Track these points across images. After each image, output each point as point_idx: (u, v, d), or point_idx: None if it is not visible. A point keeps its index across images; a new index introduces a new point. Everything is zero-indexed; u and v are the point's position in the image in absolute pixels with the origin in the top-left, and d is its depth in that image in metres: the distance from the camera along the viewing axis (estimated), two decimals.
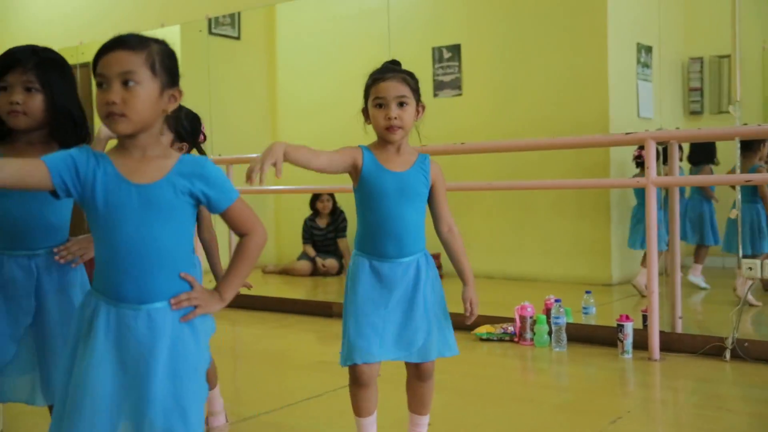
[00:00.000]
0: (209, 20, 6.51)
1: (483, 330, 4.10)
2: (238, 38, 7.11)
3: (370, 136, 2.20)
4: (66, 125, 1.88)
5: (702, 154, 5.30)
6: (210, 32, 6.63)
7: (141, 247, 1.46)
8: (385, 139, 2.11)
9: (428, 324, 2.14)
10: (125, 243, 1.46)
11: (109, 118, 1.45)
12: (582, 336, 3.98)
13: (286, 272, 6.88)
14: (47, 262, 1.88)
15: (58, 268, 1.89)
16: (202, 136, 2.57)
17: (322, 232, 6.80)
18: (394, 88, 2.07)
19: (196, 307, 1.51)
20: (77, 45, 6.97)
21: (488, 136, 5.76)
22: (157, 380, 1.44)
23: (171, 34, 6.70)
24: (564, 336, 3.85)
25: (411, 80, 2.12)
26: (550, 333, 3.91)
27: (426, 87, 6.41)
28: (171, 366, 1.46)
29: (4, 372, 1.87)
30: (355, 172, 2.12)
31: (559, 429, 2.72)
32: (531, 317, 3.99)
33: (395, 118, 2.05)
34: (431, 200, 2.20)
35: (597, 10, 5.67)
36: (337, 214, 6.81)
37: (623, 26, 5.83)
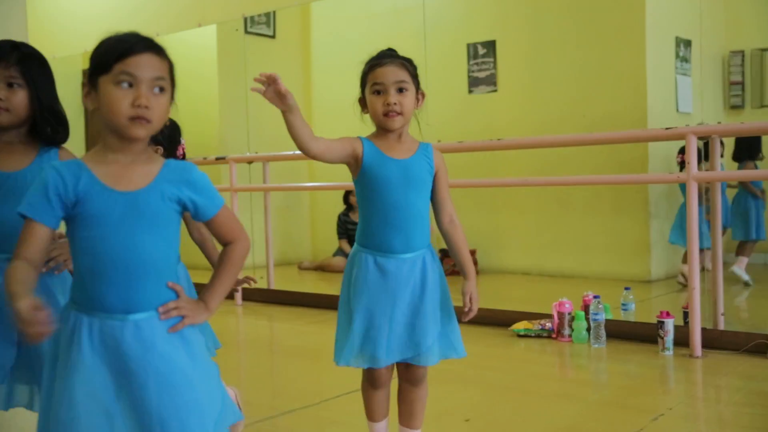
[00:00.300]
0: (245, 19, 6.57)
1: (520, 326, 4.08)
2: (273, 37, 7.17)
3: (368, 127, 2.11)
4: (48, 122, 1.82)
5: (745, 150, 5.21)
6: (246, 31, 6.68)
7: (126, 255, 1.40)
8: (384, 128, 2.01)
9: (434, 324, 2.05)
10: (110, 252, 1.40)
11: (135, 120, 1.39)
12: (621, 333, 3.93)
13: (321, 268, 6.91)
14: None
15: (41, 274, 1.81)
16: (180, 149, 2.48)
17: (354, 226, 6.81)
18: (392, 73, 1.98)
19: (183, 317, 1.45)
20: None
21: (524, 132, 5.73)
22: (150, 392, 1.38)
23: (207, 34, 6.78)
24: (603, 332, 3.81)
25: (410, 66, 2.03)
26: (588, 329, 3.88)
27: (461, 83, 6.40)
28: (164, 377, 1.39)
29: (6, 378, 1.81)
30: (354, 162, 2.02)
31: (598, 425, 2.69)
32: (569, 313, 3.96)
33: (395, 104, 1.96)
34: (433, 189, 2.09)
35: (635, 3, 5.60)
36: None
37: (662, 20, 5.75)
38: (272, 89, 1.81)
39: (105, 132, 1.44)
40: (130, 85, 1.39)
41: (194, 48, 7.11)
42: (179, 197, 1.45)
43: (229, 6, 6.54)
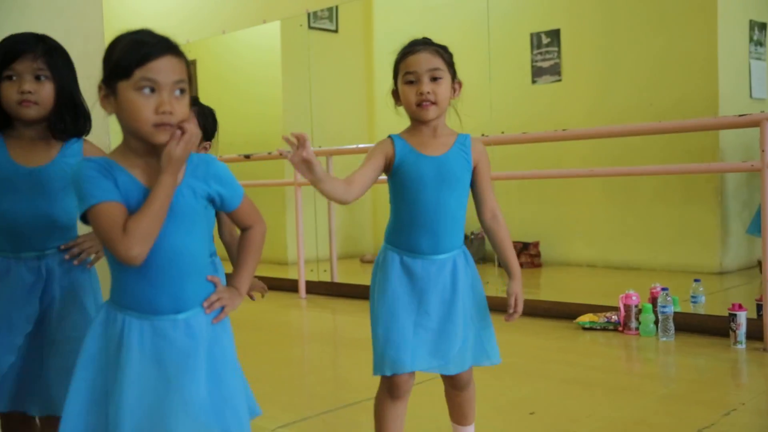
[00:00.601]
0: (308, 15, 6.64)
1: (586, 319, 4.03)
2: (335, 31, 7.22)
3: (403, 120, 2.00)
4: (70, 115, 1.79)
5: None
6: (309, 27, 6.75)
7: (174, 258, 1.41)
8: (417, 119, 1.89)
9: (465, 330, 1.93)
10: (158, 257, 1.39)
11: (160, 127, 1.36)
12: (690, 326, 3.84)
13: None
14: (57, 262, 1.79)
15: (68, 270, 1.80)
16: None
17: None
18: (426, 60, 1.85)
19: (224, 307, 1.49)
20: (184, 43, 7.26)
21: (589, 122, 5.63)
22: (202, 385, 1.41)
23: (272, 30, 6.88)
24: (671, 325, 3.73)
25: (445, 53, 1.90)
26: (656, 322, 3.80)
27: (524, 74, 6.32)
28: (214, 368, 1.44)
29: (2, 381, 1.77)
30: (388, 164, 1.90)
31: (668, 420, 2.64)
32: (636, 306, 3.89)
33: (428, 92, 1.84)
34: (474, 183, 1.96)
35: None
36: None
37: (734, 2, 5.56)
38: (299, 154, 1.66)
39: (126, 135, 1.42)
40: (152, 90, 1.35)
41: (259, 44, 7.23)
42: (208, 192, 1.45)
43: (293, 2, 6.63)
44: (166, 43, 1.39)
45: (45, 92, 1.74)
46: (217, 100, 7.84)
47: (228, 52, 7.55)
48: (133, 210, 1.36)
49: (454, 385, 2.04)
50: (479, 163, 1.95)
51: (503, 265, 2.02)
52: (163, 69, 1.36)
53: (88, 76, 2.35)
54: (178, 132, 1.37)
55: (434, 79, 1.85)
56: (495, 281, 5.52)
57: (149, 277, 1.40)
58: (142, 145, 1.40)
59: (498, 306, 4.84)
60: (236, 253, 1.59)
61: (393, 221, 1.95)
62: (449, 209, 1.89)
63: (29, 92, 1.72)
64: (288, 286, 5.79)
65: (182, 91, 1.39)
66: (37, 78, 1.74)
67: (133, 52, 1.36)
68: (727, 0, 5.44)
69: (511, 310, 1.98)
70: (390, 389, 1.93)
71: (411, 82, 1.86)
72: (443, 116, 1.94)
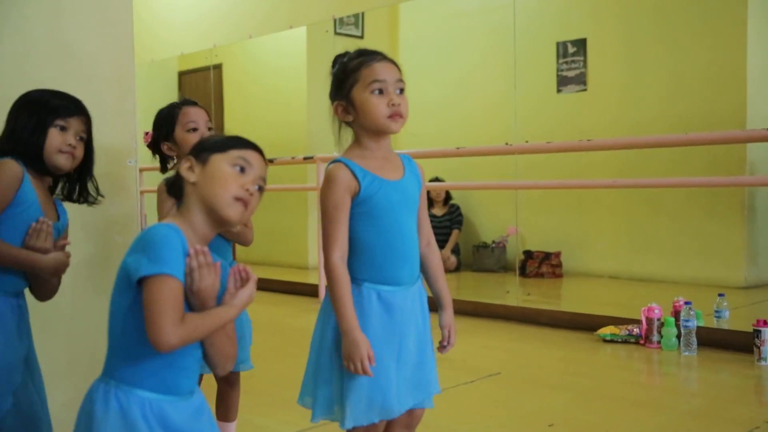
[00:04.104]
0: (335, 20, 6.67)
1: (607, 331, 4.00)
2: (361, 37, 7.24)
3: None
4: (84, 180, 1.95)
5: None
6: (335, 32, 6.78)
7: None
8: (383, 131, 1.71)
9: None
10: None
11: (239, 201, 1.42)
12: (714, 341, 3.79)
13: None
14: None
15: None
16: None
17: (438, 220, 6.75)
18: (393, 71, 1.71)
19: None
20: (211, 48, 7.32)
21: (614, 132, 5.59)
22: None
23: (298, 35, 6.92)
24: (694, 340, 3.69)
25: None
26: (678, 336, 3.76)
27: (549, 83, 6.30)
28: None
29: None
30: (351, 197, 1.70)
31: None
32: (658, 319, 3.85)
33: (399, 104, 1.69)
34: None
35: None
36: (453, 206, 6.77)
37: (764, 12, 5.50)
38: None
39: (194, 208, 1.41)
40: (242, 170, 1.42)
41: (284, 50, 7.27)
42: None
43: (319, 8, 6.65)
44: (250, 142, 1.50)
45: (80, 152, 1.88)
46: (242, 104, 7.94)
47: (253, 57, 7.60)
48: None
49: (410, 425, 1.84)
50: (423, 188, 1.83)
51: (435, 295, 1.88)
52: (257, 159, 1.47)
53: (117, 79, 2.40)
54: (253, 278, 1.42)
55: (400, 91, 1.73)
56: (516, 290, 5.50)
57: (181, 357, 1.38)
58: (208, 222, 1.42)
59: (519, 316, 4.83)
60: None
61: (365, 254, 1.71)
62: (414, 234, 1.77)
63: (72, 146, 1.85)
64: (308, 291, 5.80)
65: (260, 188, 1.44)
66: (81, 138, 1.88)
67: (234, 139, 1.47)
68: (756, 9, 5.38)
69: (444, 343, 1.85)
70: None
71: (380, 91, 1.69)
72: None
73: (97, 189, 1.96)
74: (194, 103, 2.32)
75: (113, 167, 2.41)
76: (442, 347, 1.85)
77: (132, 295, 1.33)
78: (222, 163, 1.41)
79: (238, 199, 1.39)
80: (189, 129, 2.23)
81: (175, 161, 2.27)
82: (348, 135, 1.81)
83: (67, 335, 2.34)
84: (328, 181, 1.69)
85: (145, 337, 1.29)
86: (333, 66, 1.79)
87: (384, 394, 1.68)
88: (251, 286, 1.41)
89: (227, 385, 2.35)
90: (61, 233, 1.90)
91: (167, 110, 2.28)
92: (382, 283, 1.71)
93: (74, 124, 1.85)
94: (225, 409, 2.36)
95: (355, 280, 1.71)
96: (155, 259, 1.30)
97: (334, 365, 1.71)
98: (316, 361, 1.76)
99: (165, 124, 2.26)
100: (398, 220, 1.72)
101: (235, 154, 1.42)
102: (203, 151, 1.43)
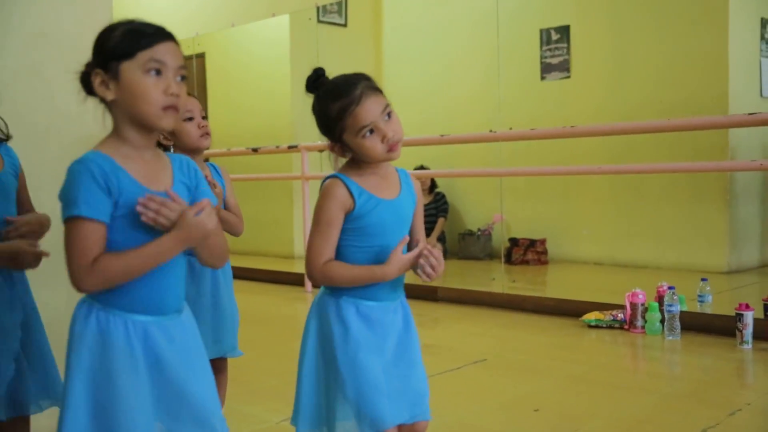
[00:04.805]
0: (318, 8, 6.63)
1: (592, 316, 4.02)
2: (345, 26, 7.21)
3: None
4: None
5: None
6: (318, 20, 6.75)
7: (179, 257, 1.41)
8: (384, 161, 1.69)
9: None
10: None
11: (168, 110, 1.35)
12: (697, 325, 3.83)
13: None
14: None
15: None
16: None
17: (423, 208, 6.74)
18: (377, 105, 1.63)
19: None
20: (194, 36, 7.26)
21: (597, 119, 5.62)
22: (206, 382, 1.46)
23: (281, 23, 6.88)
24: (677, 324, 3.72)
25: (376, 83, 1.69)
26: (662, 321, 3.79)
27: (533, 70, 6.31)
28: (205, 365, 1.48)
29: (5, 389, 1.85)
30: (345, 213, 1.68)
31: (673, 419, 2.63)
32: (642, 304, 3.88)
33: (392, 134, 1.63)
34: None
35: None
36: (438, 194, 6.77)
37: (746, 1, 5.53)
38: None
39: (124, 125, 1.37)
40: (158, 73, 1.33)
41: (267, 38, 7.23)
42: (191, 195, 1.45)
43: None
44: (167, 30, 1.38)
45: None
46: (225, 93, 7.89)
47: (236, 46, 7.55)
48: (126, 215, 1.32)
49: None
50: (418, 203, 1.80)
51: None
52: (169, 52, 1.34)
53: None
54: (206, 203, 1.35)
55: (389, 116, 1.65)
56: (501, 277, 5.52)
57: (159, 278, 1.38)
58: (139, 136, 1.37)
59: (504, 302, 4.84)
60: None
61: None
62: (402, 252, 1.70)
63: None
64: (294, 280, 5.80)
65: (183, 77, 1.37)
66: None
67: (137, 35, 1.34)
68: None
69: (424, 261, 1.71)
70: None
71: (371, 131, 1.62)
72: None
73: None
74: (188, 93, 2.31)
75: None
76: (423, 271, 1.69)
77: None
78: (135, 73, 1.32)
79: (166, 108, 1.34)
80: (185, 118, 2.20)
81: (171, 150, 2.25)
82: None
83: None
84: (324, 196, 1.67)
85: None
86: (308, 86, 1.71)
87: (374, 406, 1.64)
88: (203, 207, 1.35)
89: (215, 370, 2.34)
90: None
91: None
92: (361, 298, 1.68)
93: None
94: None
95: (334, 292, 1.69)
96: (65, 202, 1.30)
97: (321, 382, 1.70)
98: (302, 379, 1.74)
99: None
100: (387, 241, 1.69)
101: (144, 57, 1.32)
102: (108, 59, 1.34)
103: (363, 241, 1.68)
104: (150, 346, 1.36)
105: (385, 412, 1.64)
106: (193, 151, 2.19)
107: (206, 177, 2.11)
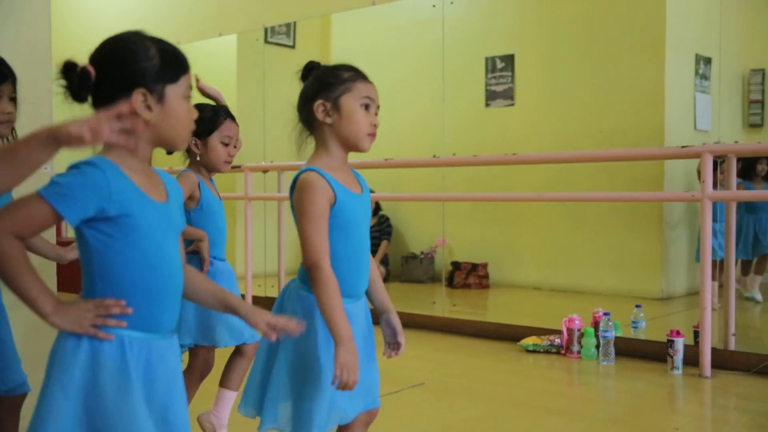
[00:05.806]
0: (266, 29, 6.63)
1: (529, 341, 4.08)
2: (293, 47, 7.22)
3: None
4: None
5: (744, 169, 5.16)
6: (266, 41, 6.74)
7: (176, 274, 1.38)
8: (356, 146, 1.71)
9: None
10: (165, 274, 1.35)
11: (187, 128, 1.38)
12: (630, 350, 3.92)
13: None
14: None
15: None
16: None
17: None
18: (377, 96, 1.75)
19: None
20: None
21: (540, 146, 5.73)
22: (183, 406, 1.40)
23: (228, 43, 6.85)
24: (612, 350, 3.80)
25: None
26: (597, 346, 3.87)
27: (478, 97, 6.41)
28: (182, 389, 1.41)
29: None
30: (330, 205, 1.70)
31: None
32: (579, 330, 3.95)
33: (376, 126, 1.73)
34: None
35: (655, 20, 5.60)
36: (382, 217, 6.80)
37: (682, 37, 5.74)
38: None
39: (146, 144, 1.34)
40: (188, 98, 1.38)
41: (215, 57, 7.18)
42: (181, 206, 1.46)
43: (250, 16, 6.61)
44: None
45: (15, 115, 1.88)
46: None
47: None
48: (135, 225, 1.29)
49: (369, 422, 1.85)
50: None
51: (380, 302, 1.87)
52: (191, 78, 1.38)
53: (33, 81, 2.33)
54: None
55: (376, 114, 1.74)
56: (443, 301, 5.56)
57: (156, 295, 1.33)
58: (149, 151, 1.37)
59: (445, 326, 4.87)
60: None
61: (333, 267, 1.68)
62: (369, 249, 1.78)
63: (10, 112, 1.84)
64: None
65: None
66: (11, 99, 1.87)
67: (179, 58, 1.37)
68: (674, 34, 5.62)
69: (398, 349, 1.88)
70: None
71: (366, 108, 1.70)
72: None
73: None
74: (234, 118, 2.47)
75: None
76: (393, 349, 1.85)
77: (82, 242, 1.30)
78: (178, 99, 1.33)
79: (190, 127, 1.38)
80: (224, 142, 2.40)
81: (192, 158, 2.43)
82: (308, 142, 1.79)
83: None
84: (309, 189, 1.64)
85: (120, 274, 1.29)
86: (306, 71, 1.83)
87: (344, 400, 1.69)
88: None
89: (239, 354, 2.48)
90: None
91: (212, 113, 2.41)
92: (344, 295, 1.66)
93: (5, 90, 1.84)
94: (229, 376, 2.46)
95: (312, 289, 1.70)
96: (53, 185, 1.23)
97: (296, 379, 1.70)
98: (275, 375, 1.72)
99: (205, 125, 2.36)
100: (362, 233, 1.74)
101: (185, 82, 1.35)
102: (155, 81, 1.32)
103: (344, 237, 1.69)
104: (143, 365, 1.31)
105: (346, 405, 1.71)
106: (210, 170, 2.43)
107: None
